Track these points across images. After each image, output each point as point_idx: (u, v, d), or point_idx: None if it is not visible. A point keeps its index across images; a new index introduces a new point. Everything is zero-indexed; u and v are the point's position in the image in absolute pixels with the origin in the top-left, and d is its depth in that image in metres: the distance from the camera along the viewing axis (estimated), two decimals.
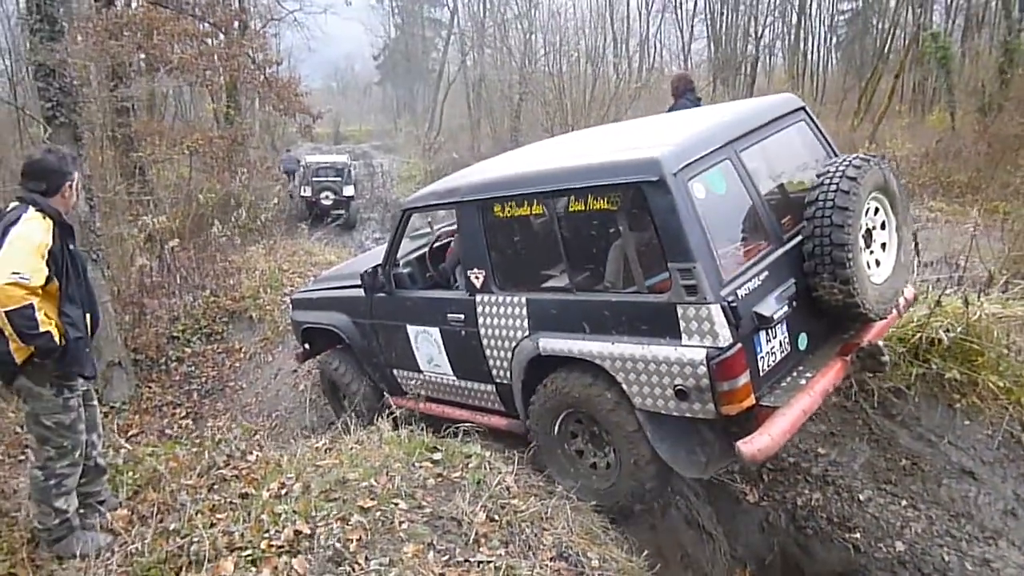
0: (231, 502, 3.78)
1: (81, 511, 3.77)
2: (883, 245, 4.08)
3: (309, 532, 3.35)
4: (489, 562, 3.25)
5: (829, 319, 3.93)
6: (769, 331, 3.60)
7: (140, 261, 9.73)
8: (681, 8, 37.48)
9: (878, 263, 4.02)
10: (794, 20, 35.46)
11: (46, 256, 3.40)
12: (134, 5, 15.91)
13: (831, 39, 41.68)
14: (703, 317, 3.41)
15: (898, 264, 4.10)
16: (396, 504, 3.58)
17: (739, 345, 3.40)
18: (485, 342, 4.54)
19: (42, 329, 3.35)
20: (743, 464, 3.54)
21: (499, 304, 4.39)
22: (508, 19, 36.15)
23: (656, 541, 4.35)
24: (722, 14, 33.92)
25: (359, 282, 5.35)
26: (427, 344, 5.02)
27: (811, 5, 37.34)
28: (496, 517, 3.60)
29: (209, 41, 16.82)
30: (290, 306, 7.22)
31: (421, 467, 4.00)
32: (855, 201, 3.64)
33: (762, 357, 3.58)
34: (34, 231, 3.39)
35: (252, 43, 17.36)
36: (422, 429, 4.53)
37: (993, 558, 4.11)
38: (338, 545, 3.23)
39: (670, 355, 3.53)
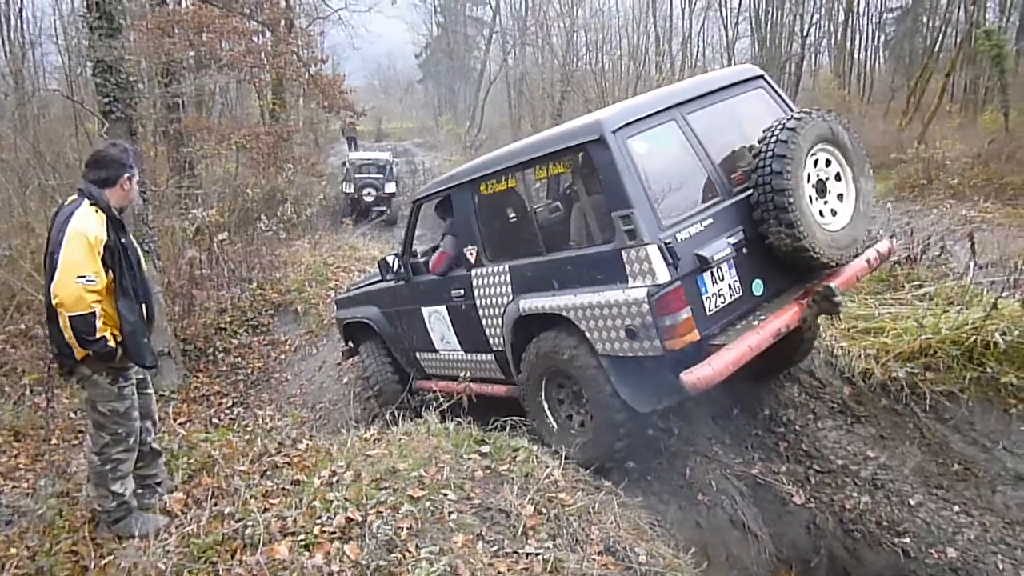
0: (283, 488, 3.85)
1: (139, 492, 3.88)
2: (840, 196, 4.31)
3: (360, 519, 3.41)
4: (537, 554, 3.27)
5: (791, 267, 4.16)
6: (714, 273, 3.92)
7: (190, 253, 9.95)
8: (725, 6, 37.02)
9: (834, 212, 4.26)
10: (841, 18, 34.77)
11: (101, 252, 3.50)
12: (185, 3, 16.27)
13: (879, 37, 40.76)
14: (643, 258, 3.77)
15: (857, 213, 4.29)
16: (445, 495, 3.62)
17: (678, 282, 3.73)
18: (481, 312, 4.97)
19: (98, 335, 3.46)
20: (688, 393, 3.75)
21: (489, 275, 4.83)
22: (550, 17, 36.07)
23: (702, 540, 4.34)
24: (767, 12, 33.40)
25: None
26: (439, 323, 5.47)
27: (859, 3, 36.59)
28: (544, 510, 3.62)
29: (257, 39, 17.11)
30: (335, 307, 7.56)
31: (469, 459, 4.03)
32: (794, 150, 3.91)
33: (708, 297, 3.91)
34: (88, 226, 3.48)
35: (298, 41, 17.64)
36: (469, 422, 4.56)
37: None
38: (389, 532, 3.28)
39: (619, 297, 3.86)
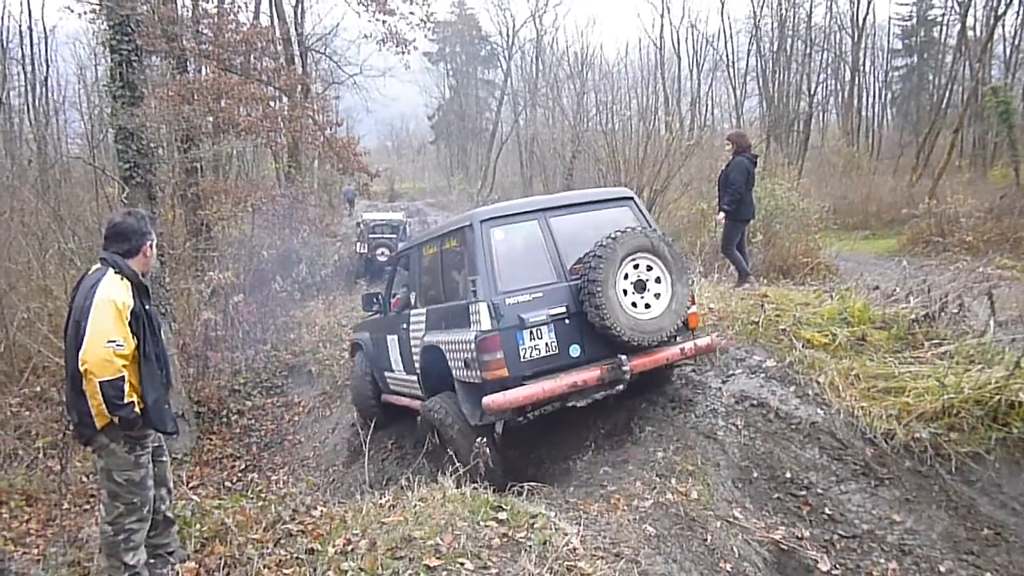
0: (297, 558, 3.77)
1: (151, 562, 3.82)
2: (657, 295, 5.39)
3: None
4: None
5: (608, 342, 5.18)
6: (533, 332, 5.11)
7: (205, 315, 10.01)
8: (733, 67, 37.74)
9: (648, 306, 5.34)
10: (847, 77, 35.29)
11: (128, 318, 3.53)
12: (204, 71, 16.68)
13: (886, 95, 41.37)
14: (478, 311, 5.10)
15: (668, 311, 5.36)
16: (462, 564, 3.53)
17: (497, 332, 5.00)
18: (412, 342, 6.34)
19: (126, 400, 3.48)
20: (488, 412, 4.93)
21: (418, 314, 6.28)
22: (560, 79, 36.82)
23: None
24: (774, 72, 33.95)
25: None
26: (393, 348, 6.94)
27: (864, 61, 37.19)
28: None
29: (273, 104, 17.47)
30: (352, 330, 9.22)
31: (486, 526, 3.94)
32: (610, 253, 5.13)
33: (524, 348, 5.09)
34: (116, 293, 3.54)
35: (314, 105, 18.00)
36: (485, 487, 4.49)
37: None
38: None
39: (464, 337, 5.19)
